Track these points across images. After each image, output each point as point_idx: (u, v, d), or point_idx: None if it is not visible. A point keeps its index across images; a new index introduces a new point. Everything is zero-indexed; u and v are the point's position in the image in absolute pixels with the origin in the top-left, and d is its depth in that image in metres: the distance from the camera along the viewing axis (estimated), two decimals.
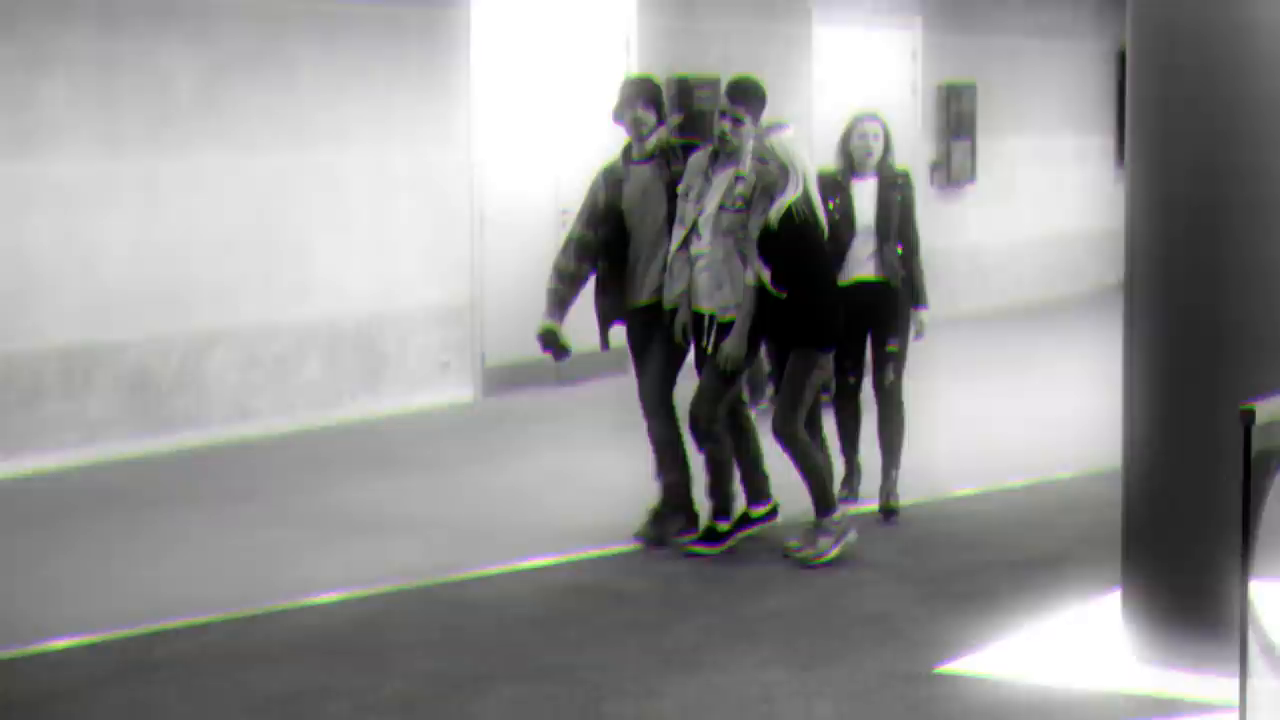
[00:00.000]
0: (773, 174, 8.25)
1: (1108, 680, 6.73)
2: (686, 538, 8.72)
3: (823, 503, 8.47)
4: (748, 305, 8.35)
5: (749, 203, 8.39)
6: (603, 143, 14.44)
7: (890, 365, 9.32)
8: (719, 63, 15.57)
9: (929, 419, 12.45)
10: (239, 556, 8.79)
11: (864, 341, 9.32)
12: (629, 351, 9.06)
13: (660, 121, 8.86)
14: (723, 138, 8.55)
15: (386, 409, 12.86)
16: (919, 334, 9.57)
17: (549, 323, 8.87)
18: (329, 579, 8.25)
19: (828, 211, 8.70)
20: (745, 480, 8.79)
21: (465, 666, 7.02)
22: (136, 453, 11.20)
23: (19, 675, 6.98)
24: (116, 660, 7.12)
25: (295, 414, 12.32)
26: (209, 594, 8.02)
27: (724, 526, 8.69)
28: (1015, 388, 14.03)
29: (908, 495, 9.44)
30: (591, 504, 9.78)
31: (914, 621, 7.55)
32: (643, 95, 8.86)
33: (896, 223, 9.22)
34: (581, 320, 9.14)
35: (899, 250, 9.27)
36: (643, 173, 8.84)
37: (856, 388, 9.43)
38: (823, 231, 8.41)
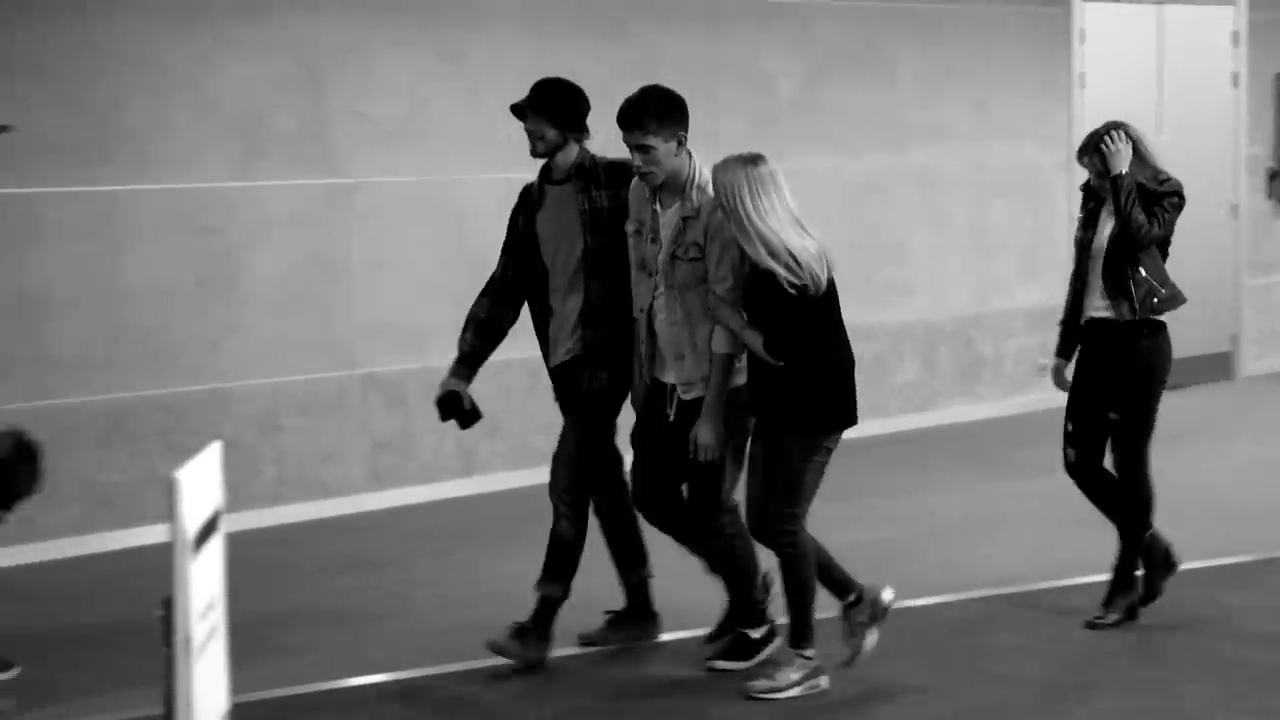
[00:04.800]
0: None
1: None
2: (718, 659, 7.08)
3: (801, 633, 6.77)
4: (718, 380, 6.64)
5: (704, 251, 6.69)
6: (1201, 133, 14.07)
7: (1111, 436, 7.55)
8: None
9: None
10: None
11: (1093, 396, 7.57)
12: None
13: (567, 136, 6.98)
14: (642, 176, 6.76)
15: (983, 412, 12.77)
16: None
17: (450, 385, 7.17)
18: (925, 582, 8.20)
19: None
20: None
21: (1065, 674, 6.89)
22: None
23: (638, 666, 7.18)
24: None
25: (890, 415, 12.35)
26: None
27: (756, 634, 7.10)
28: None
29: None
30: (1190, 511, 9.52)
31: None
32: (535, 102, 6.98)
33: (1131, 250, 7.39)
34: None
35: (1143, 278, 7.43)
36: (558, 196, 7.07)
37: (1082, 463, 7.58)
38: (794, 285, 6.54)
